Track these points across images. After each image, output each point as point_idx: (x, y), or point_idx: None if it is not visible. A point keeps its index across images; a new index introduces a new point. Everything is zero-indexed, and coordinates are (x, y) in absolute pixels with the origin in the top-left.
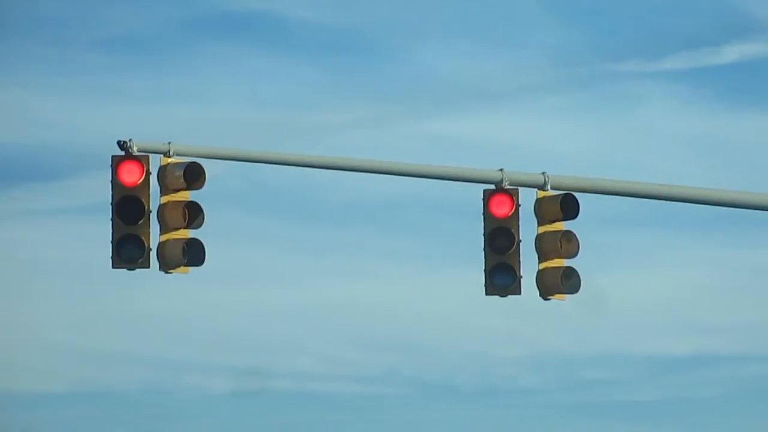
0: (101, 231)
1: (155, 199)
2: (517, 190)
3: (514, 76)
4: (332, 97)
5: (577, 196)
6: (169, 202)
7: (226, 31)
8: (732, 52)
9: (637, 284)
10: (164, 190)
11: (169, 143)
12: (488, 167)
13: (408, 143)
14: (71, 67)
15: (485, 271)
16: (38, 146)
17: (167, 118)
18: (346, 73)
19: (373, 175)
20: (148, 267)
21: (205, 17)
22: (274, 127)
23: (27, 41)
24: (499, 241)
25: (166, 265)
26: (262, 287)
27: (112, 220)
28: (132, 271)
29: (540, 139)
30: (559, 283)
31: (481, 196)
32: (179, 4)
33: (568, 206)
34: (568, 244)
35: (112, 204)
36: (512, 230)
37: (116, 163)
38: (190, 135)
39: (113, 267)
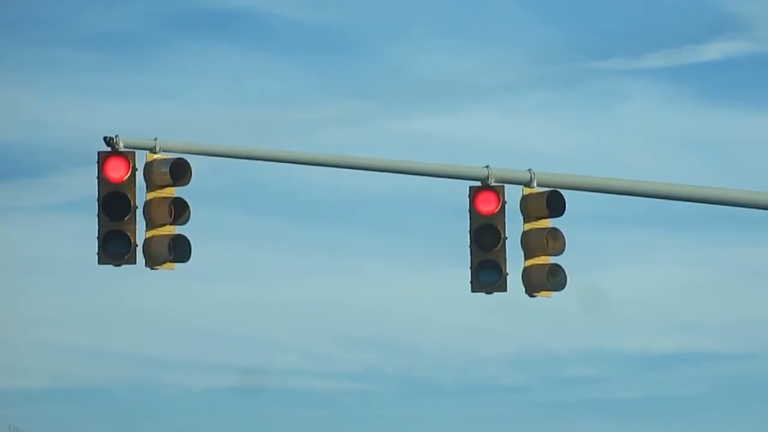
0: (83, 227)
1: (141, 195)
2: (503, 187)
3: (495, 74)
4: (314, 94)
5: (563, 194)
6: (155, 198)
7: (208, 28)
8: (714, 50)
9: (621, 282)
10: (150, 186)
11: (155, 139)
12: (470, 164)
13: (389, 140)
14: (53, 65)
15: (471, 268)
16: (20, 143)
17: (149, 115)
18: (328, 70)
19: (358, 172)
20: (135, 263)
21: (187, 15)
22: (256, 125)
23: (9, 39)
24: (485, 238)
25: (152, 261)
26: (246, 284)
27: (98, 216)
28: (118, 267)
29: (522, 137)
30: (545, 280)
31: (467, 193)
32: (161, 2)
33: (554, 203)
34: (554, 241)
35: (98, 200)
36: (498, 227)
37: (102, 159)
38: (173, 132)
39: (99, 263)
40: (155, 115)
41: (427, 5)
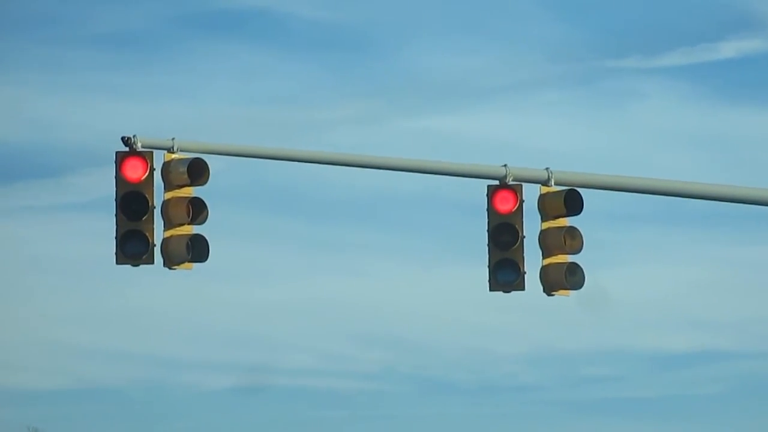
0: (99, 227)
1: (159, 194)
2: (521, 185)
3: (510, 72)
4: (328, 94)
5: (581, 192)
6: (173, 198)
7: (221, 28)
8: (730, 48)
9: (638, 280)
10: (168, 186)
11: (173, 139)
12: (486, 163)
13: (403, 140)
14: (66, 65)
15: (489, 267)
16: (34, 143)
17: (163, 115)
18: (342, 70)
19: (376, 171)
20: (153, 263)
21: (200, 14)
22: (269, 124)
23: (22, 39)
24: (503, 237)
25: (170, 261)
26: (260, 283)
27: (116, 216)
28: (136, 267)
29: (537, 136)
30: (563, 279)
31: (485, 192)
32: (174, 1)
33: (572, 202)
34: (572, 240)
35: (116, 200)
36: (516, 226)
37: (120, 159)
38: (186, 132)
39: (117, 263)
40: (169, 115)
41: (441, 4)
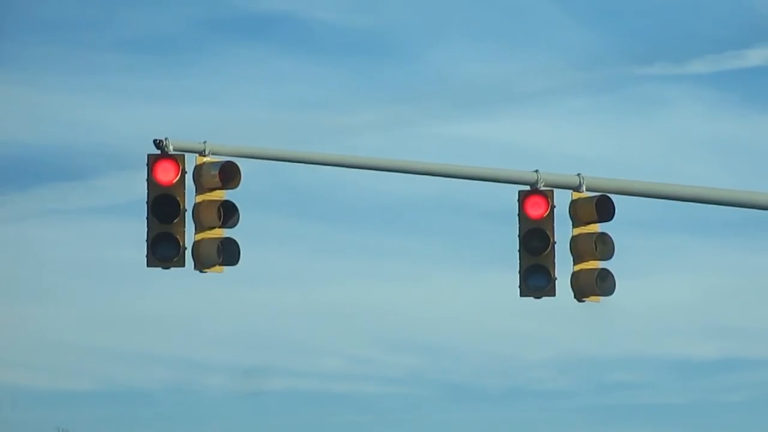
0: (128, 230)
1: (190, 198)
2: (552, 191)
3: (536, 79)
4: (354, 98)
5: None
6: (204, 201)
7: (248, 32)
8: (757, 56)
9: (665, 287)
10: (199, 189)
11: (205, 142)
12: (516, 168)
13: (430, 145)
14: (94, 68)
15: (520, 272)
16: (61, 146)
17: (190, 118)
18: (368, 74)
19: (404, 175)
20: (183, 266)
21: (227, 19)
22: (296, 129)
23: (50, 42)
24: (534, 242)
25: (201, 264)
26: (290, 287)
27: (147, 218)
28: (166, 270)
29: (564, 142)
30: (594, 285)
31: (516, 198)
32: (201, 5)
33: (603, 208)
34: (603, 246)
35: (147, 203)
36: (547, 232)
37: (152, 161)
38: (212, 136)
39: (148, 266)
40: (196, 119)
41: (468, 9)
